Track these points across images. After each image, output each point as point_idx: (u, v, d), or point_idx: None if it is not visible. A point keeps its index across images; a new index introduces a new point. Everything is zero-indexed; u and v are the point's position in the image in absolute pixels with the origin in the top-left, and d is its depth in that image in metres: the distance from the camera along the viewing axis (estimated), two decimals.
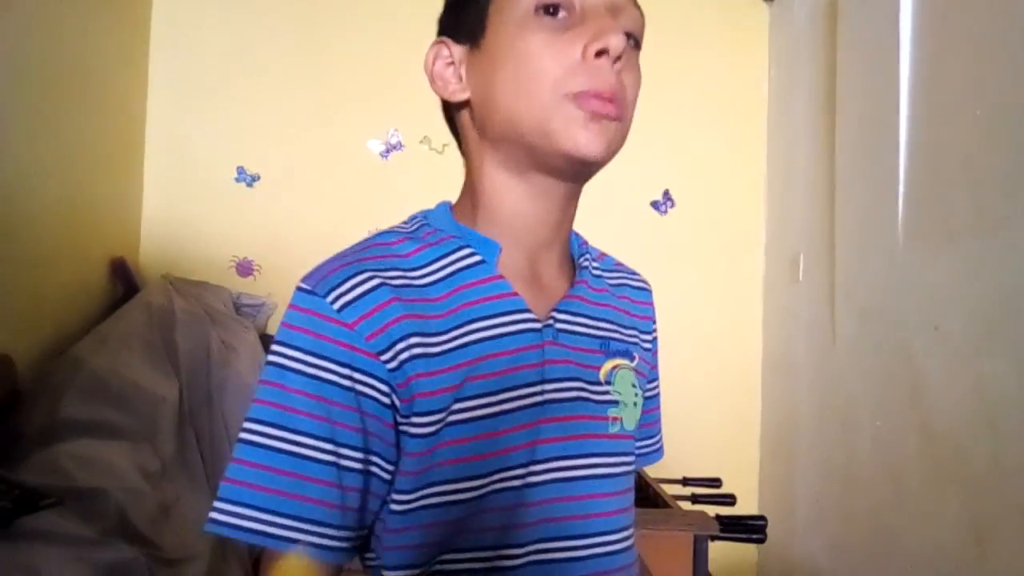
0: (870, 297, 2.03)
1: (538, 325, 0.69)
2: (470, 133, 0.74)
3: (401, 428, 0.64)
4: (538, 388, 0.67)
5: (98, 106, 2.32)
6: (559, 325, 0.71)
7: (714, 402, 2.77)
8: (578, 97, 0.65)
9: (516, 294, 0.69)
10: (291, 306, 0.64)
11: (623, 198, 2.74)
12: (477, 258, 0.70)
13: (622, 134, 0.68)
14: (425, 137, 2.68)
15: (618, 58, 0.65)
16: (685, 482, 2.03)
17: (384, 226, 0.74)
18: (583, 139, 0.65)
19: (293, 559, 0.60)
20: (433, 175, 2.57)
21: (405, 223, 0.74)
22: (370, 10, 2.69)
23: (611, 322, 0.77)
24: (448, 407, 0.64)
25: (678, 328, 2.75)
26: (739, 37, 2.84)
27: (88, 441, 1.68)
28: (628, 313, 0.81)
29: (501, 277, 0.70)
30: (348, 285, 0.63)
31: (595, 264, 0.81)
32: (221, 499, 0.60)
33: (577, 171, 0.70)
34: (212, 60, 2.67)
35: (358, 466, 0.62)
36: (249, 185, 2.66)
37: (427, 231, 0.72)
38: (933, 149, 1.78)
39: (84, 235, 2.24)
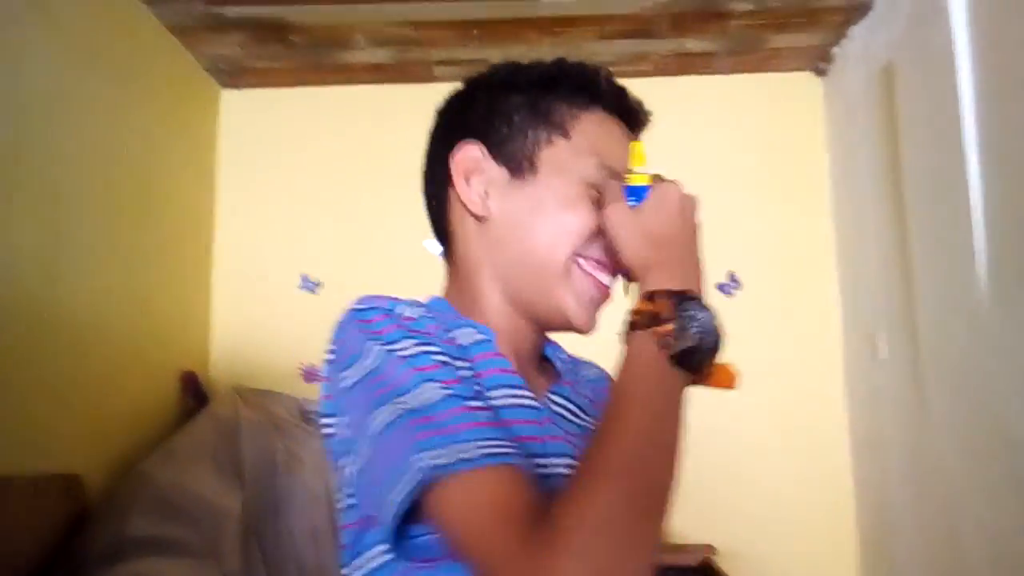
0: (958, 367, 1.90)
1: (538, 404, 0.72)
2: (474, 242, 0.78)
3: None
4: (542, 461, 0.69)
5: (166, 219, 2.40)
6: (554, 408, 0.76)
7: (804, 490, 2.60)
8: (587, 262, 0.74)
9: (517, 372, 0.73)
10: (357, 319, 0.68)
11: None
12: (482, 336, 0.73)
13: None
14: None
15: None
16: None
17: None
18: (582, 317, 0.75)
19: (502, 471, 0.59)
20: None
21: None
22: (428, 113, 2.74)
23: (588, 415, 0.80)
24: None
25: (761, 415, 2.62)
26: (794, 113, 2.80)
27: (152, 560, 1.66)
28: (594, 404, 0.84)
29: (504, 355, 0.73)
30: (403, 306, 0.70)
31: (568, 367, 0.87)
32: (419, 453, 0.59)
33: (558, 329, 0.79)
34: (276, 170, 2.77)
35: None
36: (313, 291, 2.70)
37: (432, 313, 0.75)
38: (1009, 208, 1.68)
39: (153, 350, 2.28)
